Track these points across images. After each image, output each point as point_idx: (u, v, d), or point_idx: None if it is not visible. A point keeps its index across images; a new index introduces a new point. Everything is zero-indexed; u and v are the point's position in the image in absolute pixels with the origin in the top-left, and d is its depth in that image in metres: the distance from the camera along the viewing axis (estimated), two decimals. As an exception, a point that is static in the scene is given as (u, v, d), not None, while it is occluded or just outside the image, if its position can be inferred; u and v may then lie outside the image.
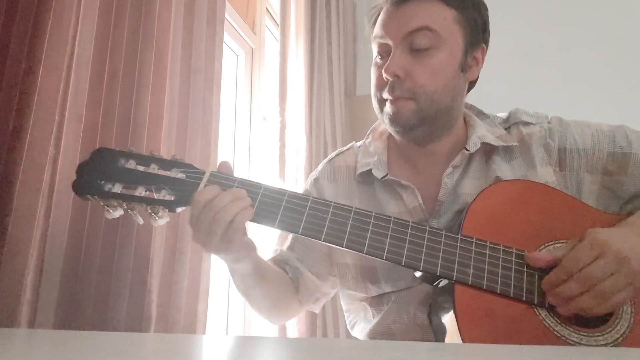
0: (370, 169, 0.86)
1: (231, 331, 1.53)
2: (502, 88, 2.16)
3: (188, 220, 0.70)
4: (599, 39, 2.24)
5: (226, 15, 1.30)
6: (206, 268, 1.02)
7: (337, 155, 0.97)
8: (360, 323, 0.91)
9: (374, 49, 0.85)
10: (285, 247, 0.94)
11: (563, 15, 2.32)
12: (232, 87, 1.74)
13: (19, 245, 0.68)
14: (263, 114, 1.81)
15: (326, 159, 0.98)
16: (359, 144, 0.96)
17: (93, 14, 0.82)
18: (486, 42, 0.85)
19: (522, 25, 2.33)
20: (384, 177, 0.85)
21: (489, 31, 0.85)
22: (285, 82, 1.69)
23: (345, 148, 0.98)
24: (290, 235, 0.93)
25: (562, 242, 0.73)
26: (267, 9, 1.96)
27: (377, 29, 0.82)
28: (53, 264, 0.75)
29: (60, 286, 0.76)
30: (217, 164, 0.77)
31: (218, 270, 1.51)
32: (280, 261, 0.93)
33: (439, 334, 0.78)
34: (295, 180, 1.65)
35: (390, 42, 0.80)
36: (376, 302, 0.87)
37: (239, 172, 1.64)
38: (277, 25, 1.86)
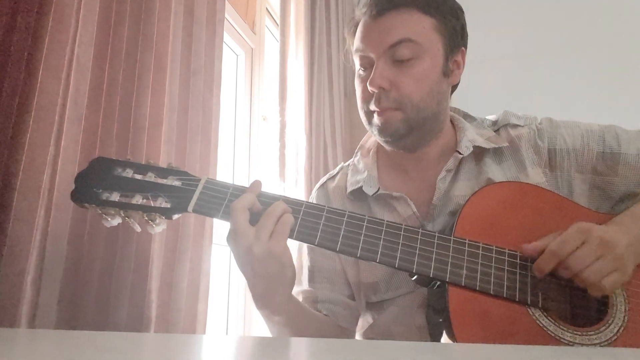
0: (361, 187, 0.87)
1: (231, 331, 1.53)
2: (500, 91, 2.17)
3: (227, 237, 0.68)
4: (595, 42, 2.25)
5: (226, 15, 1.30)
6: (206, 268, 1.02)
7: (328, 179, 0.98)
8: (359, 325, 0.92)
9: (356, 61, 0.85)
10: (305, 285, 0.92)
11: (560, 18, 2.32)
12: (232, 87, 1.74)
13: (19, 246, 0.69)
14: (263, 114, 1.81)
15: (318, 185, 0.99)
16: (347, 163, 0.97)
17: (93, 15, 0.82)
18: (465, 44, 0.86)
19: (519, 28, 2.33)
20: (375, 192, 0.86)
21: (467, 34, 0.86)
22: (285, 82, 1.69)
23: (335, 171, 0.98)
24: (306, 270, 0.93)
25: None
26: (267, 9, 1.96)
27: (358, 42, 0.83)
28: (53, 264, 0.75)
29: (61, 286, 0.76)
30: (216, 167, 0.77)
31: (218, 270, 1.51)
32: (309, 302, 0.90)
33: (435, 335, 0.78)
34: (295, 181, 1.66)
35: (372, 55, 0.81)
36: (377, 306, 0.87)
37: (239, 173, 1.65)
38: (277, 25, 1.86)
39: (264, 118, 1.82)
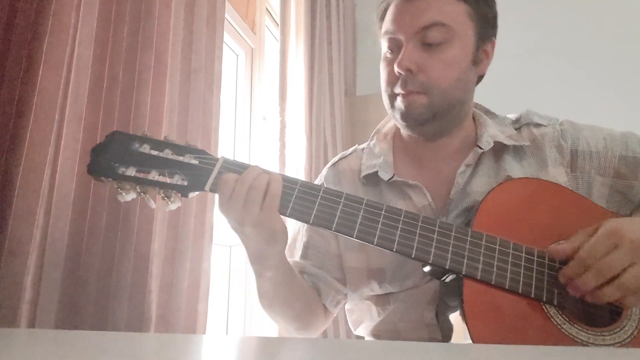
0: (376, 171, 0.86)
1: (231, 331, 1.53)
2: (511, 88, 2.16)
3: (219, 206, 0.69)
4: (607, 39, 2.24)
5: (226, 15, 1.30)
6: (206, 268, 1.02)
7: (340, 159, 0.95)
8: (365, 321, 0.91)
9: (384, 44, 0.83)
10: (297, 257, 0.92)
11: (572, 15, 2.32)
12: (232, 87, 1.74)
13: (19, 246, 0.68)
14: (263, 114, 1.81)
15: (329, 164, 0.97)
16: (362, 146, 0.95)
17: (93, 14, 0.82)
18: (495, 35, 0.85)
19: (530, 25, 2.33)
20: (390, 178, 0.84)
21: (497, 24, 0.85)
22: (285, 82, 1.69)
23: (348, 152, 0.96)
24: (301, 245, 0.92)
25: None
26: (267, 9, 1.96)
27: (388, 24, 0.81)
28: (53, 264, 0.75)
29: (61, 286, 0.76)
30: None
31: (218, 270, 1.51)
32: (296, 270, 0.90)
33: (445, 331, 0.78)
34: (295, 180, 1.65)
35: (401, 37, 0.79)
36: (382, 301, 0.86)
37: (239, 172, 1.65)
38: (277, 25, 1.86)
39: (264, 118, 1.81)
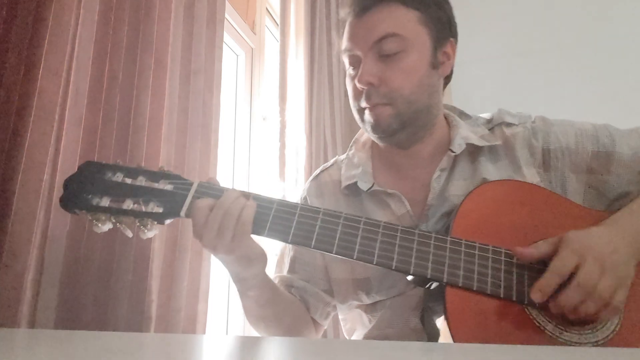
0: (356, 182, 0.87)
1: (231, 331, 1.53)
2: (494, 90, 2.17)
3: (193, 231, 0.69)
4: (589, 40, 2.25)
5: (226, 16, 1.30)
6: (206, 269, 1.02)
7: (322, 171, 0.97)
8: (358, 329, 0.92)
9: (345, 61, 0.86)
10: (285, 272, 0.93)
11: (554, 17, 2.33)
12: (232, 87, 1.74)
13: (19, 246, 0.69)
14: (263, 114, 1.81)
15: (311, 176, 0.98)
16: (342, 157, 0.97)
17: (93, 15, 0.82)
18: (454, 35, 0.86)
19: (512, 27, 2.33)
20: (369, 188, 0.85)
21: (455, 25, 0.86)
22: (285, 82, 1.69)
23: (329, 163, 0.98)
24: (288, 259, 0.93)
25: None
26: (267, 9, 1.96)
27: (345, 42, 0.84)
28: (53, 264, 0.75)
29: (61, 286, 0.76)
30: (216, 167, 0.76)
31: (218, 270, 1.51)
32: (284, 286, 0.92)
33: (431, 336, 0.78)
34: (295, 180, 1.65)
35: (359, 53, 0.81)
36: (370, 308, 0.87)
37: (239, 173, 1.65)
38: (277, 25, 1.86)
39: (264, 118, 1.81)
